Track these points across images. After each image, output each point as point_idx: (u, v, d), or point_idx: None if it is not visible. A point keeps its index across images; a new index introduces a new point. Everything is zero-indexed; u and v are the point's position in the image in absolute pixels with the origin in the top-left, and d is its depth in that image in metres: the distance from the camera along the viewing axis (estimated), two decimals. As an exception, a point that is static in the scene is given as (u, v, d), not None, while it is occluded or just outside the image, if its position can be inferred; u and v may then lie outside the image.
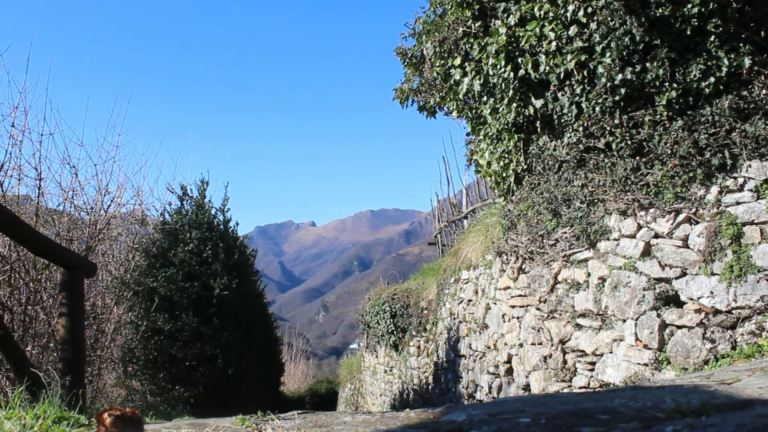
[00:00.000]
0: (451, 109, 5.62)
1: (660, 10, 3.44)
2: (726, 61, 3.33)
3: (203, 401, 6.54)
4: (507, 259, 4.83)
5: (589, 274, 3.82)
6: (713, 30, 3.35)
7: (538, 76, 4.13)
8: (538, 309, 4.30)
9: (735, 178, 3.13)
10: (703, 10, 3.35)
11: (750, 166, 3.08)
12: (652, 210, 3.45)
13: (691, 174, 3.27)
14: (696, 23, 3.39)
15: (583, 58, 3.81)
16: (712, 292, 3.06)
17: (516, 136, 4.55)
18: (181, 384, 6.53)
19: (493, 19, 4.58)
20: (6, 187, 5.01)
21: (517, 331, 4.66)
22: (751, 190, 3.05)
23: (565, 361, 3.96)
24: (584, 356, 3.80)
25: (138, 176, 12.60)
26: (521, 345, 4.55)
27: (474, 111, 5.09)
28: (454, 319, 6.50)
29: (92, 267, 3.65)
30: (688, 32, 3.42)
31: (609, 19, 3.64)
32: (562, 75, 3.95)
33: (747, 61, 3.30)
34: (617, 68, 3.61)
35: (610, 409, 0.99)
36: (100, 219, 6.21)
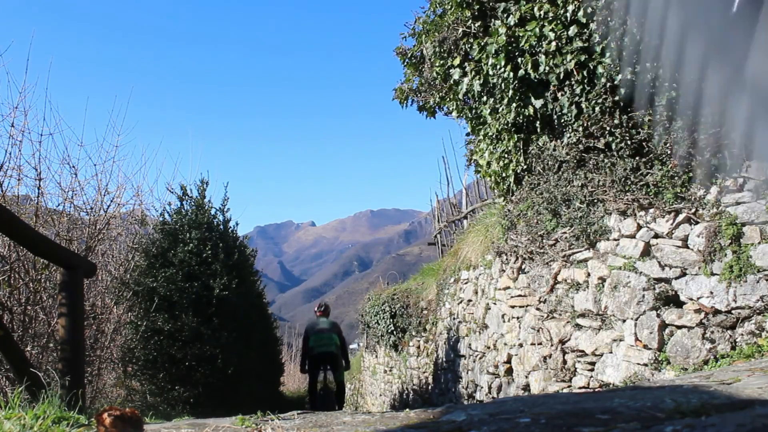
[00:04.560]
0: (450, 109, 5.62)
1: (660, 10, 3.44)
2: (726, 61, 3.33)
3: (203, 401, 6.54)
4: (507, 259, 4.83)
5: (588, 274, 3.82)
6: (713, 30, 3.35)
7: (537, 76, 4.13)
8: (537, 309, 4.30)
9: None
10: (702, 10, 3.35)
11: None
12: (651, 210, 3.44)
13: (691, 174, 3.27)
14: (696, 23, 3.39)
15: (582, 58, 3.81)
16: (711, 292, 3.06)
17: (516, 136, 4.55)
18: (180, 384, 6.53)
19: (492, 19, 4.58)
20: (6, 187, 5.01)
21: (516, 331, 4.66)
22: (750, 190, 3.05)
23: (564, 361, 3.96)
24: (584, 356, 3.80)
25: (138, 176, 12.60)
26: (521, 345, 4.55)
27: (474, 111, 5.09)
28: (454, 319, 6.50)
29: (92, 267, 3.65)
30: (688, 32, 3.42)
31: (609, 19, 3.64)
32: (561, 75, 3.95)
33: (747, 61, 3.30)
34: (617, 68, 3.61)
35: (610, 409, 0.99)
36: (99, 219, 6.21)
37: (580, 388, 3.83)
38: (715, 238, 3.09)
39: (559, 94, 4.03)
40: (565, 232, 4.05)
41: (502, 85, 4.40)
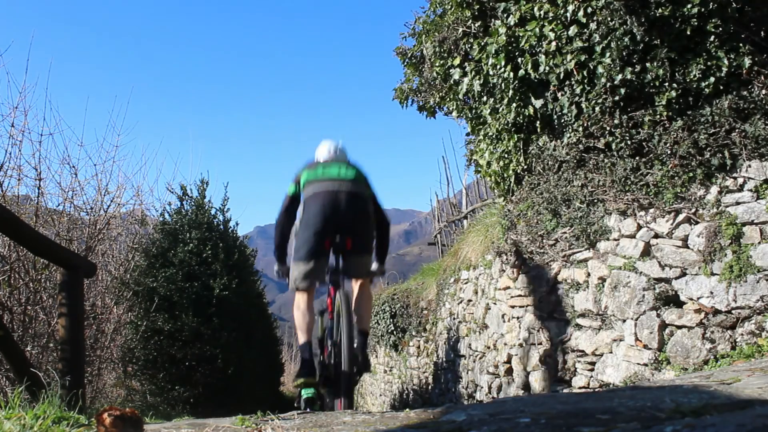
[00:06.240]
0: (450, 109, 5.61)
1: (660, 10, 3.44)
2: (726, 61, 3.33)
3: (203, 401, 6.54)
4: (507, 259, 4.83)
5: (588, 274, 3.82)
6: (713, 30, 3.35)
7: (537, 76, 4.13)
8: (537, 309, 4.30)
9: (735, 178, 3.13)
10: (703, 10, 3.35)
11: (750, 166, 3.08)
12: (651, 210, 3.45)
13: (691, 174, 3.27)
14: (696, 23, 3.39)
15: (582, 58, 3.81)
16: (711, 292, 3.06)
17: (516, 136, 4.55)
18: (181, 384, 6.54)
19: (492, 19, 4.58)
20: (6, 187, 5.01)
21: (516, 331, 4.66)
22: (750, 190, 3.05)
23: (564, 361, 3.96)
24: (584, 356, 3.80)
25: (138, 176, 12.65)
26: (521, 345, 4.55)
27: (474, 111, 5.09)
28: (454, 319, 6.50)
29: (92, 267, 3.65)
30: (688, 32, 3.42)
31: (609, 19, 3.64)
32: (561, 75, 3.95)
33: (747, 61, 3.30)
34: (617, 68, 3.61)
35: (610, 409, 0.99)
36: (99, 219, 6.22)
37: (580, 388, 3.83)
38: (715, 238, 3.09)
39: (559, 94, 4.03)
40: (565, 232, 4.05)
41: (502, 85, 4.40)
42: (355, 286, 3.62)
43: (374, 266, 3.84)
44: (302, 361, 3.45)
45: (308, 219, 3.41)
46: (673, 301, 3.28)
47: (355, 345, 3.26)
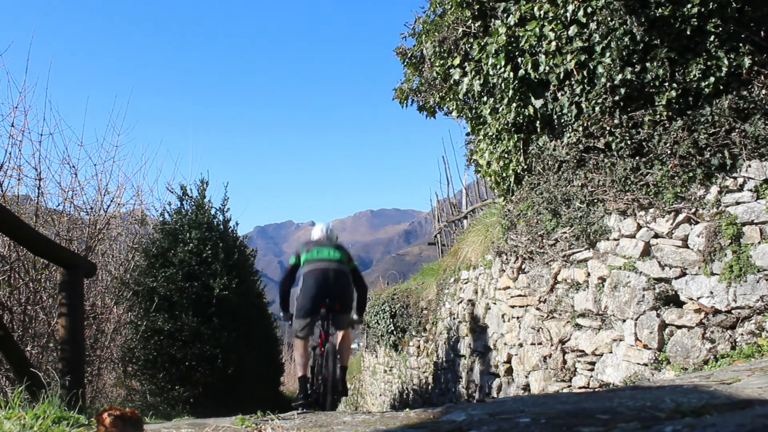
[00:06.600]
0: (450, 109, 5.61)
1: (660, 10, 3.44)
2: (726, 61, 3.33)
3: (203, 401, 6.54)
4: (507, 259, 4.83)
5: (588, 274, 3.82)
6: (713, 30, 3.35)
7: (537, 76, 4.13)
8: (537, 309, 4.30)
9: (735, 178, 3.13)
10: (702, 10, 3.35)
11: (750, 166, 3.08)
12: (651, 210, 3.45)
13: (691, 174, 3.27)
14: (696, 23, 3.39)
15: (582, 58, 3.81)
16: (711, 292, 3.06)
17: (516, 136, 4.55)
18: (180, 384, 6.53)
19: (492, 19, 4.58)
20: (6, 187, 5.01)
21: (516, 331, 4.66)
22: (750, 190, 3.05)
23: (564, 361, 3.96)
24: (584, 356, 3.80)
25: (138, 176, 12.64)
26: (521, 345, 4.55)
27: (474, 111, 5.09)
28: (454, 319, 6.50)
29: (92, 267, 3.65)
30: (688, 32, 3.42)
31: (609, 19, 3.64)
32: (561, 75, 3.95)
33: (747, 61, 3.30)
34: (617, 68, 3.61)
35: (610, 409, 0.99)
36: (99, 219, 6.21)
37: (580, 388, 3.83)
38: (715, 238, 3.09)
39: (559, 94, 4.03)
40: (565, 232, 4.05)
41: (502, 85, 4.40)
42: (340, 334, 4.91)
43: (354, 317, 5.06)
44: (300, 390, 4.74)
45: (306, 288, 4.67)
46: (673, 301, 3.29)
47: (337, 377, 4.52)
